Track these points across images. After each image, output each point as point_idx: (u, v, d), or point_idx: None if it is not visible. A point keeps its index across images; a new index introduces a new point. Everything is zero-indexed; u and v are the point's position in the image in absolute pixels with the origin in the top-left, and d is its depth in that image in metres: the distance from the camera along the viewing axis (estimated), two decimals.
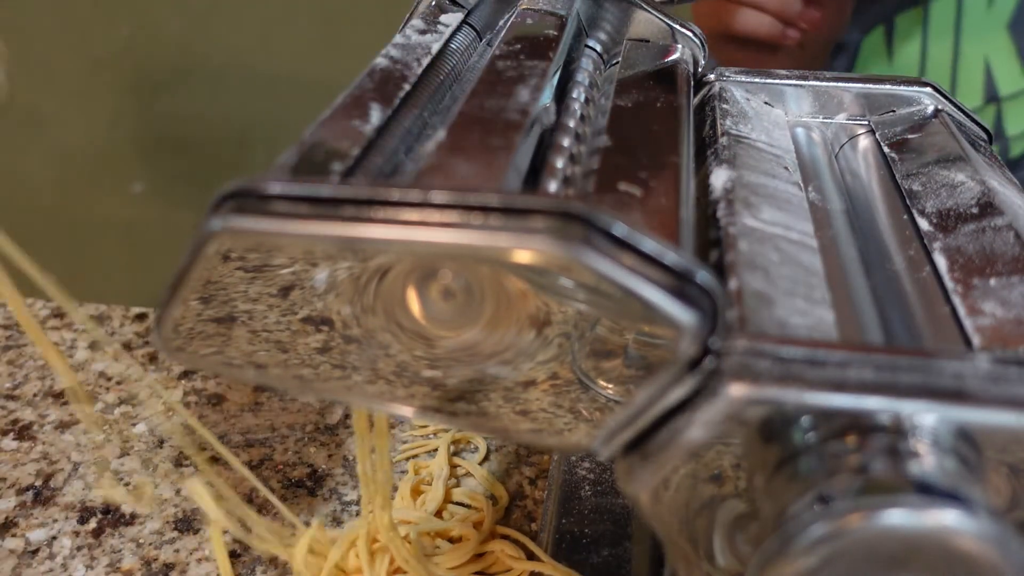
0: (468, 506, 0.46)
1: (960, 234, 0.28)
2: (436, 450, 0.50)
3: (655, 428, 0.23)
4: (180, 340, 0.25)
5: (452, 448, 0.51)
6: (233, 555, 0.44)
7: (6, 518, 0.45)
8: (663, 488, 0.23)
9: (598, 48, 0.38)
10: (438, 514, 0.46)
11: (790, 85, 0.37)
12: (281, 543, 0.41)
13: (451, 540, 0.44)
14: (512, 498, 0.48)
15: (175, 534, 0.45)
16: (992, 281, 0.25)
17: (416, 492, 0.48)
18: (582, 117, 0.31)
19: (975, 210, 0.29)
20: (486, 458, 0.50)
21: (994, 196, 0.29)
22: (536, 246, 0.21)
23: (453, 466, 0.49)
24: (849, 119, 0.37)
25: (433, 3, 0.37)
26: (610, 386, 0.23)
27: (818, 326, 0.24)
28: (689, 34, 0.38)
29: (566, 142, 0.29)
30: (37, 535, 0.44)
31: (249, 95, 1.21)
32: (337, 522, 0.46)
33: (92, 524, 0.45)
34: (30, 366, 0.56)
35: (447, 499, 0.47)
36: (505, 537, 0.44)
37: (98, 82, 1.22)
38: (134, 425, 0.52)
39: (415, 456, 0.50)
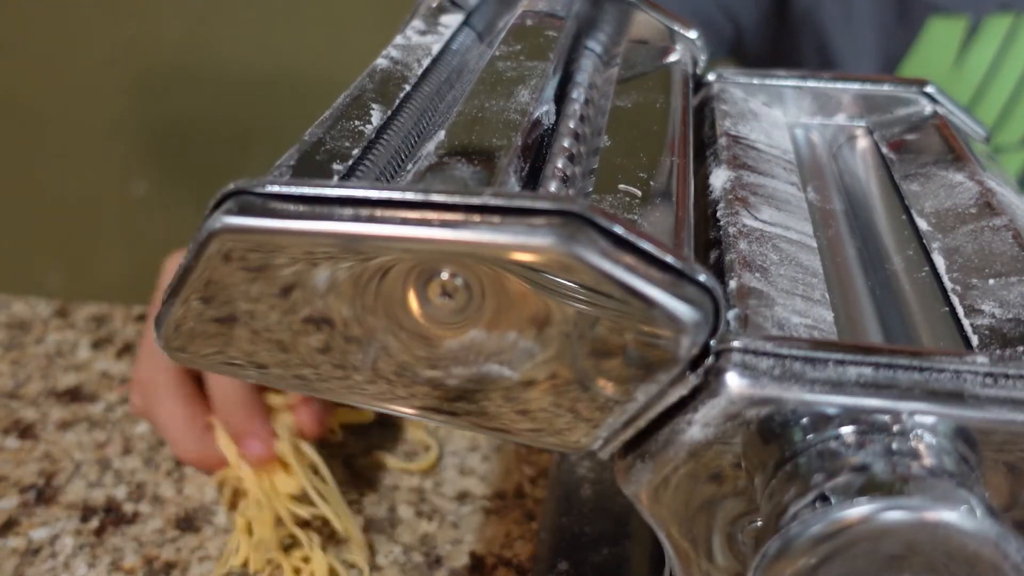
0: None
1: (958, 234, 0.28)
2: None
3: (655, 428, 0.23)
4: (181, 340, 0.25)
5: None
6: None
7: (8, 517, 0.45)
8: (663, 488, 0.23)
9: (598, 49, 0.38)
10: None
11: (789, 86, 0.37)
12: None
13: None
14: (512, 497, 0.48)
15: (177, 533, 0.45)
16: (991, 281, 0.26)
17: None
18: (582, 118, 0.31)
19: (973, 210, 0.29)
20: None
21: (992, 196, 0.29)
22: (537, 246, 0.21)
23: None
24: (848, 120, 0.37)
25: (434, 4, 0.37)
26: (610, 386, 0.23)
27: (817, 326, 0.24)
28: (689, 36, 0.38)
29: (566, 142, 0.29)
30: (39, 534, 0.45)
31: (250, 95, 1.21)
32: None
33: (94, 523, 0.45)
34: (32, 366, 0.56)
35: None
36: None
37: (100, 82, 1.22)
38: (136, 425, 0.52)
39: None
